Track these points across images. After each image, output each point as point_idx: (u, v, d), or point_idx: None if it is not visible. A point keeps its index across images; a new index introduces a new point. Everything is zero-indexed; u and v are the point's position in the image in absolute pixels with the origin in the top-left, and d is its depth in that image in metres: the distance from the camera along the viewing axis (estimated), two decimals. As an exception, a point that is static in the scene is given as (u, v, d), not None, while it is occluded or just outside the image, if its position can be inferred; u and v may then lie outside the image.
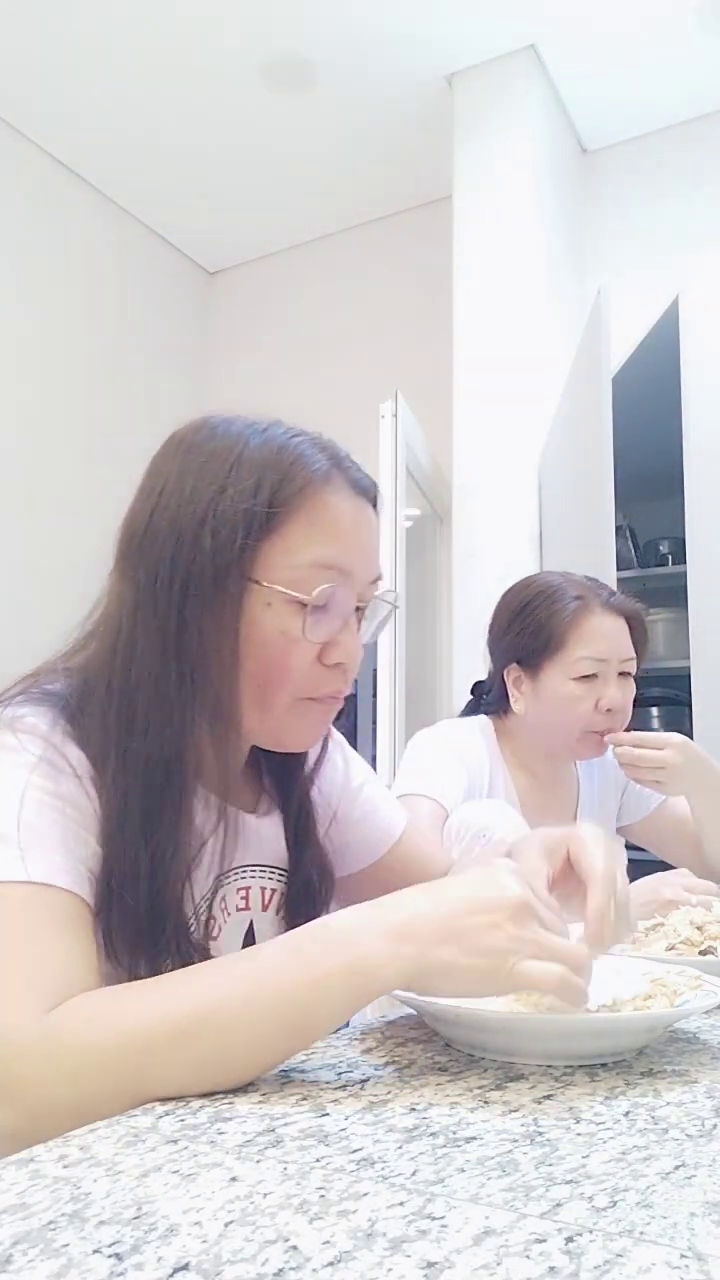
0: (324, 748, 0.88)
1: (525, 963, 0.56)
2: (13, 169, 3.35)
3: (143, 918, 0.68)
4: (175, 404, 3.87)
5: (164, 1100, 0.53)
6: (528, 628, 1.40)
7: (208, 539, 0.70)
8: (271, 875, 0.83)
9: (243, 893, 0.80)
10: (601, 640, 1.37)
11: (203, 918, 0.74)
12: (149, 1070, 0.53)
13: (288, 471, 0.72)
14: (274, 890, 0.83)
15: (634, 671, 1.41)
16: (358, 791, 0.94)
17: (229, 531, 0.70)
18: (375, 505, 0.79)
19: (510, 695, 1.43)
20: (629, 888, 0.70)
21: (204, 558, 0.70)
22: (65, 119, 3.32)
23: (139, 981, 0.60)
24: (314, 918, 0.78)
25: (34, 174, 3.43)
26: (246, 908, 0.81)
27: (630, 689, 1.40)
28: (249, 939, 0.80)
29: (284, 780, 0.86)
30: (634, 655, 1.40)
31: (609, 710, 1.37)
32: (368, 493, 0.77)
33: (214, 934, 0.76)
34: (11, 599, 3.17)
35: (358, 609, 0.77)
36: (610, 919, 0.66)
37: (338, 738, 0.94)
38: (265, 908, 0.82)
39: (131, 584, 0.73)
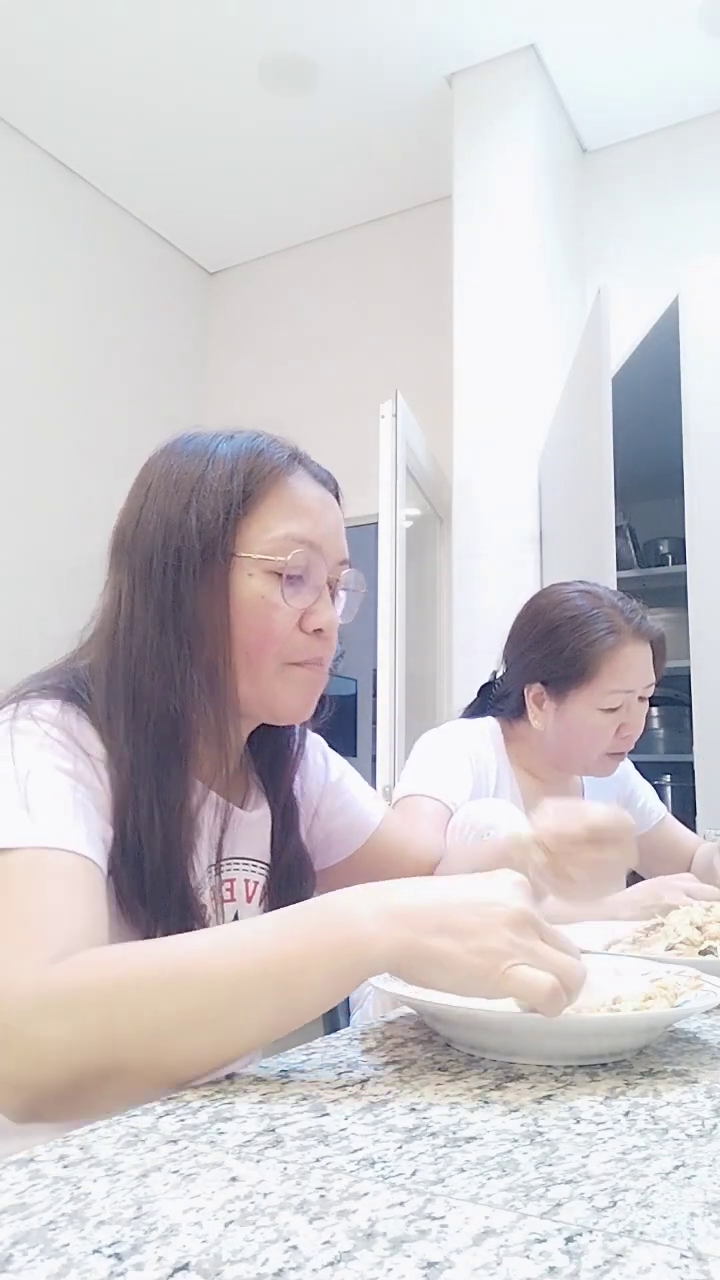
0: (302, 743, 0.95)
1: (519, 967, 0.55)
2: (13, 169, 3.36)
3: (155, 878, 0.73)
4: (175, 404, 3.87)
5: (164, 1100, 0.53)
6: (558, 653, 1.38)
7: (193, 521, 0.79)
8: (255, 868, 0.88)
9: (228, 884, 0.85)
10: (631, 673, 1.37)
11: (200, 903, 0.78)
12: (136, 1014, 0.55)
13: (257, 460, 0.81)
14: (257, 883, 0.88)
15: (652, 694, 1.42)
16: (337, 784, 1.00)
17: (211, 513, 0.79)
18: (337, 496, 0.88)
19: (530, 712, 1.42)
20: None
21: (191, 538, 0.79)
22: (65, 119, 3.32)
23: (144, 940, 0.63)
24: None
25: (34, 174, 3.44)
26: (232, 899, 0.85)
27: (646, 708, 1.42)
28: None
29: (274, 773, 0.92)
30: (655, 679, 1.40)
31: (628, 736, 1.40)
32: (327, 483, 0.87)
33: (206, 921, 0.80)
34: (12, 597, 3.17)
35: (332, 586, 0.85)
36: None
37: (315, 738, 1.00)
38: (249, 899, 0.87)
39: (127, 572, 0.81)
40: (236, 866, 0.85)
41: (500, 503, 2.83)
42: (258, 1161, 0.44)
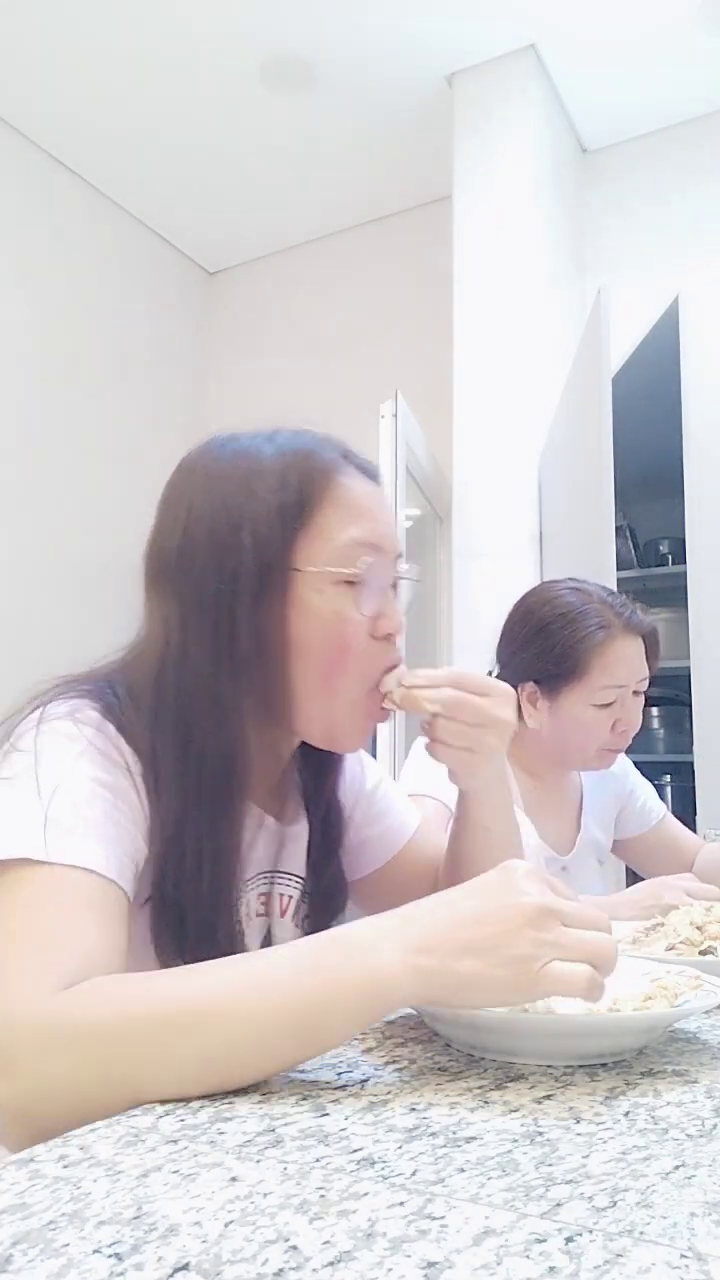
0: (342, 755, 0.91)
1: (551, 966, 0.54)
2: (12, 168, 3.35)
3: (201, 916, 0.69)
4: (175, 404, 3.87)
5: (163, 1100, 0.53)
6: (549, 651, 1.38)
7: (248, 539, 0.73)
8: (290, 882, 0.84)
9: (263, 898, 0.82)
10: (623, 668, 1.36)
11: (241, 937, 0.76)
12: (149, 1055, 0.53)
13: (307, 464, 0.76)
14: (291, 897, 0.84)
15: (646, 688, 1.41)
16: (373, 793, 0.96)
17: (266, 528, 0.73)
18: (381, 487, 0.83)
19: (524, 711, 1.42)
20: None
21: (247, 558, 0.73)
22: (65, 118, 3.32)
23: (156, 971, 0.60)
24: (330, 924, 0.79)
25: (33, 173, 3.43)
26: (265, 913, 0.82)
27: (641, 703, 1.41)
28: (267, 944, 0.82)
29: (317, 788, 0.88)
30: (648, 674, 1.40)
31: (624, 731, 1.39)
32: (375, 477, 0.82)
33: (244, 949, 0.78)
34: (12, 598, 3.17)
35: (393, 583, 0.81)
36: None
37: None
38: (283, 914, 0.84)
39: (175, 600, 0.75)
40: (272, 880, 0.83)
41: (500, 503, 2.83)
42: (258, 1161, 0.44)
